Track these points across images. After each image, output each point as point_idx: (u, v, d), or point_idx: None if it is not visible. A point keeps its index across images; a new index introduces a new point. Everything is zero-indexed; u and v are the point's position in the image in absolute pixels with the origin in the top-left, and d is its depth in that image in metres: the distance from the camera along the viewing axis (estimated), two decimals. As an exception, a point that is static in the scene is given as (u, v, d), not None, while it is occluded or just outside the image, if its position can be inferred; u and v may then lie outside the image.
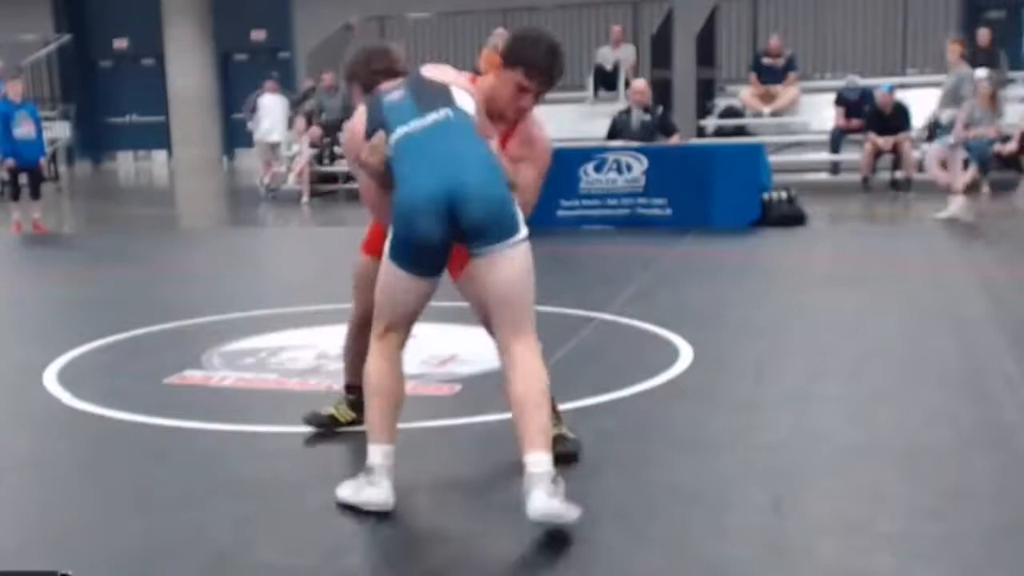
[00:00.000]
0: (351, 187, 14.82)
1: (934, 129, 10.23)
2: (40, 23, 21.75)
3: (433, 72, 3.20)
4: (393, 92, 3.19)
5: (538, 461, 2.83)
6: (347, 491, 3.10)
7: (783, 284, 7.05)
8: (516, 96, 3.24)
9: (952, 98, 9.88)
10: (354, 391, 3.89)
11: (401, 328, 3.15)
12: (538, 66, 3.21)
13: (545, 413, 2.92)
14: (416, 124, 3.06)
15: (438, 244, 2.97)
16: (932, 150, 10.04)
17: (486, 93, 3.25)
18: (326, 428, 3.84)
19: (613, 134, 10.93)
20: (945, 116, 9.98)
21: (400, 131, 3.06)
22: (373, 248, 3.46)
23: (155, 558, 2.86)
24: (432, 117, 3.06)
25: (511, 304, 2.98)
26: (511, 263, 2.95)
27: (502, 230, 2.93)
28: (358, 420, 3.89)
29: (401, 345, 3.19)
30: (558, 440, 3.54)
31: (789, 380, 4.50)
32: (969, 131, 12.21)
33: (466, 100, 3.13)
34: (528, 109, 3.29)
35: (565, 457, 3.47)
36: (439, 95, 3.11)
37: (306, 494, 3.28)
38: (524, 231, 2.98)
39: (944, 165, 10.10)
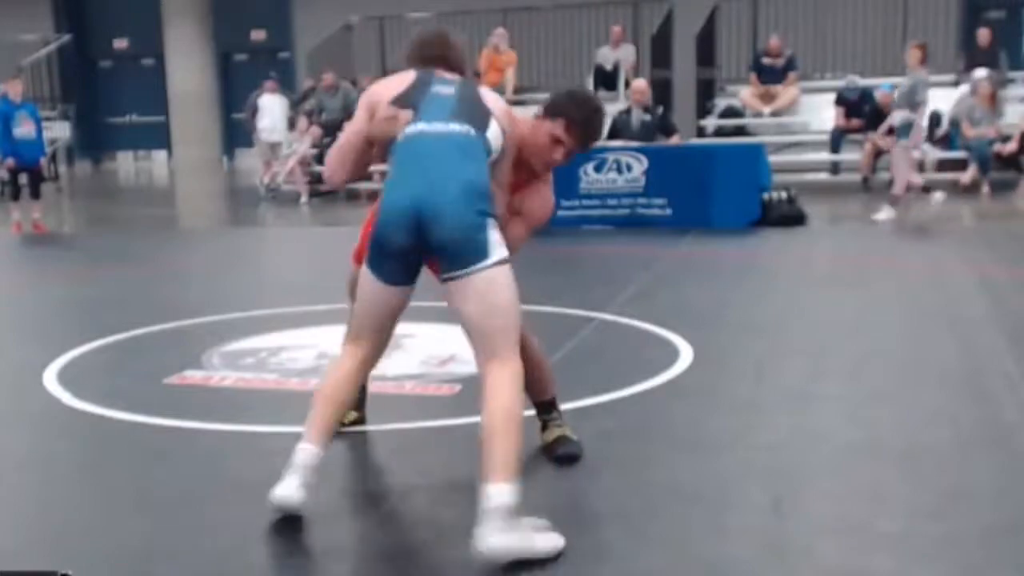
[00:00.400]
0: (351, 187, 14.82)
1: (891, 132, 10.35)
2: (40, 23, 21.75)
3: (488, 95, 3.15)
4: (446, 85, 3.13)
5: (492, 494, 2.70)
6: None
7: (783, 284, 7.05)
8: (550, 148, 3.25)
9: (907, 101, 9.98)
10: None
11: (370, 338, 3.10)
12: (580, 123, 3.23)
13: (511, 443, 2.78)
14: (436, 127, 3.00)
15: (406, 255, 2.94)
16: (898, 153, 10.12)
17: (518, 139, 3.24)
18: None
19: (613, 134, 10.93)
20: (899, 119, 10.06)
21: (419, 126, 3.01)
22: (362, 257, 3.46)
23: (155, 558, 2.86)
24: (454, 128, 3.00)
25: (482, 333, 2.90)
26: (479, 292, 2.86)
27: (469, 256, 2.85)
28: (360, 419, 3.90)
29: (368, 359, 3.12)
30: (561, 441, 3.55)
31: (789, 380, 4.50)
32: (970, 131, 12.24)
33: (496, 134, 3.06)
34: (558, 163, 3.30)
35: (567, 459, 3.48)
36: (477, 115, 3.05)
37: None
38: (496, 256, 2.86)
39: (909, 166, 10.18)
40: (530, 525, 2.77)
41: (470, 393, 4.27)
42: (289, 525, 3.02)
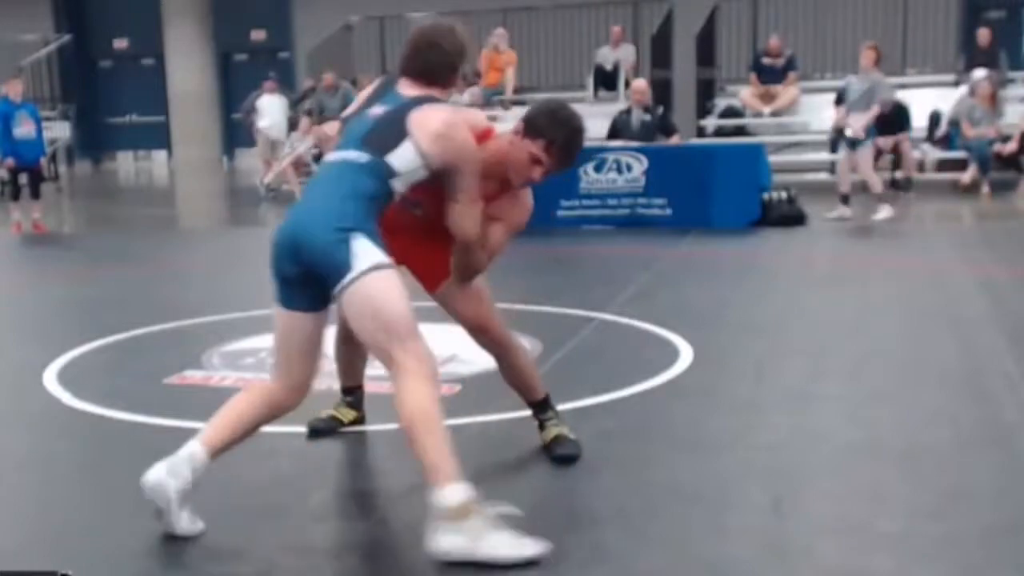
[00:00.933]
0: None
1: (841, 135, 10.35)
2: (40, 23, 21.75)
3: (421, 120, 3.04)
4: (388, 103, 3.16)
5: (434, 497, 2.71)
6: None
7: (783, 284, 7.05)
8: (528, 166, 3.22)
9: (867, 103, 9.99)
10: (350, 392, 3.90)
11: (285, 369, 3.07)
12: (560, 145, 3.21)
13: (433, 442, 2.74)
14: (337, 155, 3.09)
15: (299, 282, 2.97)
16: (864, 155, 10.11)
17: (496, 154, 3.23)
18: (331, 431, 3.85)
19: (613, 134, 10.93)
20: (859, 121, 10.05)
21: (331, 154, 3.13)
22: None
23: (155, 558, 2.86)
24: (350, 155, 3.04)
25: (370, 344, 2.95)
26: (355, 305, 2.88)
27: (335, 274, 2.87)
28: (359, 419, 3.90)
29: (287, 399, 3.08)
30: (559, 441, 3.55)
31: (789, 380, 4.50)
32: (970, 131, 12.23)
33: (407, 157, 3.02)
34: (536, 181, 3.27)
35: (565, 459, 3.48)
36: (389, 139, 3.03)
37: (306, 494, 3.28)
38: (361, 266, 2.85)
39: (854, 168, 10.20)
40: (486, 523, 2.71)
41: (470, 393, 4.27)
42: (289, 525, 3.02)
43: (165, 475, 2.91)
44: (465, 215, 3.16)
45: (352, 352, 3.82)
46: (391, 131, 3.05)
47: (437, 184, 3.13)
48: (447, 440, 2.77)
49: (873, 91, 10.05)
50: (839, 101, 10.34)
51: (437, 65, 3.22)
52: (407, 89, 3.20)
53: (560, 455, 3.51)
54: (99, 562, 2.83)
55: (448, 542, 2.67)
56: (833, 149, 13.43)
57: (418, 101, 3.12)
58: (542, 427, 3.61)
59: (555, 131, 3.20)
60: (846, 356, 4.89)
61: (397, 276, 2.94)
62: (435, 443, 2.74)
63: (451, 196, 3.15)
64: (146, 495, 2.92)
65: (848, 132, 10.08)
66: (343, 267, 2.85)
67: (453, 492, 2.69)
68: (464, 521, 2.67)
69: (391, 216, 3.16)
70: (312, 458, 3.69)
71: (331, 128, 3.14)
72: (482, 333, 3.51)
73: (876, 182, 10.19)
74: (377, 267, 2.87)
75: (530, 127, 3.21)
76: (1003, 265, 7.31)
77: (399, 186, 3.05)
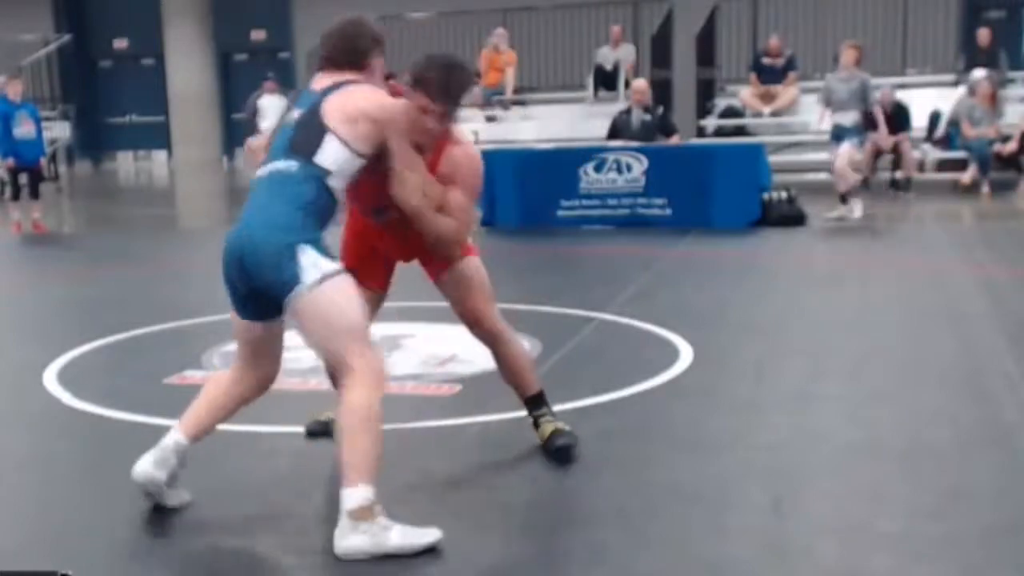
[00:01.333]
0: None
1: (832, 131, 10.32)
2: (40, 23, 21.75)
3: (335, 104, 3.03)
4: (302, 104, 3.12)
5: (343, 496, 2.81)
6: None
7: (783, 284, 7.05)
8: (422, 119, 3.19)
9: (858, 102, 9.98)
10: None
11: (249, 367, 3.18)
12: (437, 85, 3.18)
13: (360, 445, 2.83)
14: (266, 168, 3.07)
15: (243, 293, 3.01)
16: (842, 151, 10.08)
17: (409, 124, 3.19)
18: (329, 433, 3.85)
19: (613, 134, 10.93)
20: (849, 119, 10.01)
21: (261, 168, 3.10)
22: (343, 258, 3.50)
23: (155, 558, 2.86)
24: (279, 166, 3.02)
25: (323, 351, 3.02)
26: (306, 316, 2.92)
27: (284, 287, 2.90)
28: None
29: (255, 391, 3.19)
30: (556, 435, 3.54)
31: (789, 380, 4.50)
32: (970, 131, 12.23)
33: (334, 152, 3.00)
34: (435, 131, 3.22)
35: (563, 450, 3.48)
36: (312, 138, 3.01)
37: (306, 494, 3.28)
38: (311, 278, 2.88)
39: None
40: (386, 521, 2.81)
41: (470, 393, 4.28)
42: (289, 525, 3.02)
43: (152, 468, 3.06)
44: (404, 182, 3.14)
45: None
46: (311, 131, 3.02)
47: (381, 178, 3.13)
48: (378, 448, 2.86)
49: (865, 90, 9.99)
50: (828, 103, 10.27)
51: (344, 48, 3.20)
52: (319, 83, 3.17)
53: (559, 446, 3.50)
54: (99, 562, 2.83)
55: (350, 542, 2.78)
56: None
57: (327, 91, 3.09)
58: (536, 424, 3.60)
59: (427, 71, 3.20)
60: (846, 356, 4.88)
61: (347, 282, 2.97)
62: (365, 446, 2.83)
63: (390, 171, 3.14)
64: (136, 484, 3.08)
65: (847, 124, 10.02)
66: (291, 280, 2.89)
67: (360, 493, 2.79)
68: (365, 522, 2.78)
69: (364, 224, 3.16)
70: (312, 458, 3.69)
71: (258, 142, 3.15)
72: (476, 325, 3.52)
73: (850, 179, 10.10)
74: (325, 277, 2.91)
75: (414, 81, 3.21)
76: (1003, 265, 7.31)
77: (338, 183, 3.04)
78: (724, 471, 3.42)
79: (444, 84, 3.19)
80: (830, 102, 10.14)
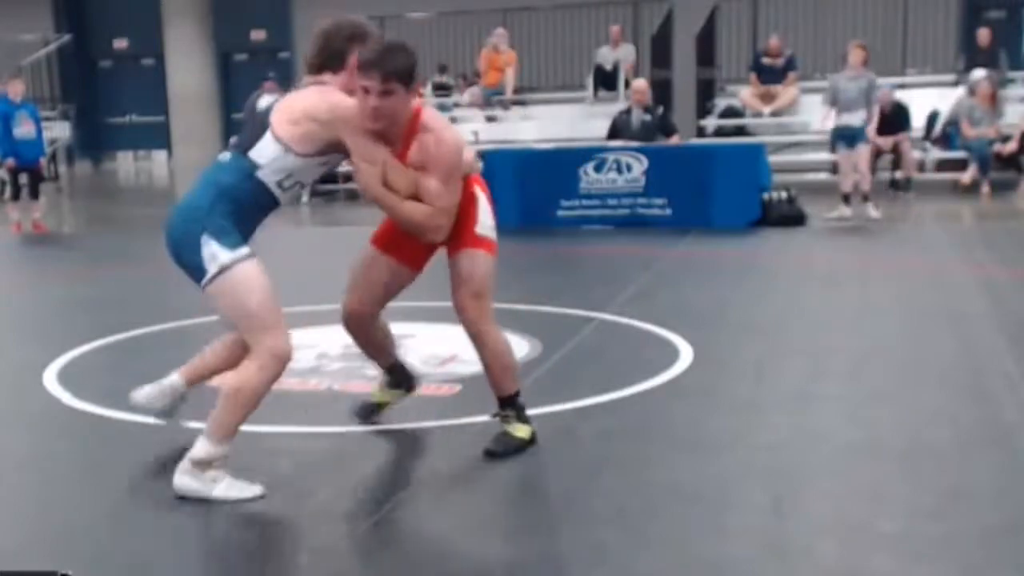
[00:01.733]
0: (351, 187, 14.82)
1: (838, 132, 10.30)
2: (40, 23, 21.76)
3: (285, 106, 3.24)
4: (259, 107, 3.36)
5: (196, 443, 3.19)
6: None
7: (783, 284, 7.05)
8: (363, 101, 3.18)
9: (866, 101, 9.99)
10: (390, 371, 3.95)
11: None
12: (370, 62, 3.17)
13: (227, 411, 3.16)
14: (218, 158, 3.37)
15: (179, 269, 3.30)
16: (861, 151, 10.08)
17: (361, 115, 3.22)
18: (375, 413, 3.97)
19: (613, 134, 10.93)
20: (858, 119, 10.02)
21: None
22: (379, 239, 3.66)
23: (155, 558, 2.86)
24: (219, 158, 3.34)
25: (238, 329, 3.32)
26: (215, 303, 3.24)
27: (195, 274, 3.22)
28: (410, 388, 3.97)
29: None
30: (498, 437, 3.59)
31: (789, 380, 4.50)
32: (971, 131, 12.23)
33: (267, 149, 3.20)
34: (377, 110, 3.18)
35: (488, 453, 3.53)
36: (253, 135, 3.25)
37: (306, 494, 3.28)
38: (212, 270, 3.16)
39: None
40: (220, 475, 3.18)
41: (470, 393, 4.27)
42: (289, 525, 3.02)
43: (145, 401, 3.67)
44: (359, 173, 3.25)
45: (368, 334, 3.80)
46: (255, 130, 3.25)
47: None
48: (243, 419, 3.20)
49: (872, 89, 10.04)
50: (834, 103, 10.26)
51: (319, 52, 3.34)
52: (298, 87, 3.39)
53: (488, 448, 3.54)
54: (99, 562, 2.83)
55: (185, 482, 3.17)
56: (833, 149, 13.44)
57: (289, 95, 3.31)
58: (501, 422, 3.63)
59: (367, 54, 3.21)
60: (846, 356, 4.88)
61: (246, 270, 3.17)
62: (237, 415, 3.18)
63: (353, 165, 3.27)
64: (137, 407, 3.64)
65: (857, 124, 10.01)
66: (200, 271, 3.18)
67: (209, 448, 3.16)
68: (204, 472, 3.17)
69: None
70: (312, 458, 3.68)
71: None
72: (458, 314, 3.54)
73: (870, 181, 10.18)
74: (223, 269, 3.14)
75: (357, 65, 3.23)
76: (1003, 265, 7.31)
77: (268, 176, 3.21)
78: (724, 471, 3.42)
79: (379, 59, 3.17)
80: (836, 102, 10.13)
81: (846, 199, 10.12)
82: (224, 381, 3.26)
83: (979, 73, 13.12)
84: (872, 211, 10.06)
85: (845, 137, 10.12)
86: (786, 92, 14.19)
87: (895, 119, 12.20)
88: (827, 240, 9.19)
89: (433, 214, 3.30)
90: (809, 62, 15.77)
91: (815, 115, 13.89)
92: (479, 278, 3.49)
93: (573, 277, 7.62)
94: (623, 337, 5.36)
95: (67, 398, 4.40)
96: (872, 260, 7.92)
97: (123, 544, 2.95)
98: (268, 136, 3.20)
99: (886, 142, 12.08)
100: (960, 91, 13.12)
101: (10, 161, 11.10)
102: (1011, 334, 5.14)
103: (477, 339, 3.55)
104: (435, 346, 5.03)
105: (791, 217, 9.76)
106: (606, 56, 15.12)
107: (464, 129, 14.83)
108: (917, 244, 8.72)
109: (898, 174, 12.51)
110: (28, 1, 21.83)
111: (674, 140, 11.01)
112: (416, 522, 2.98)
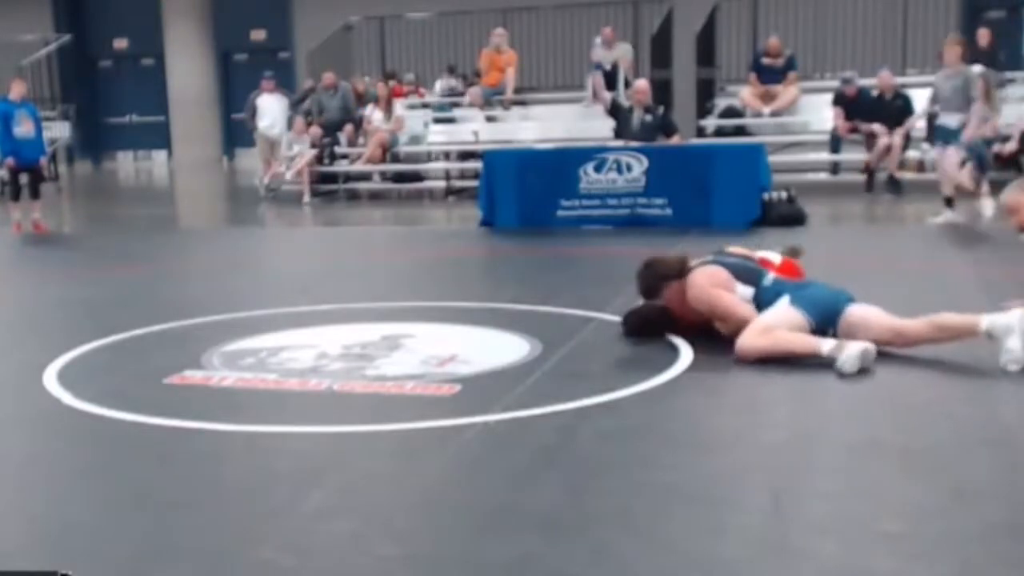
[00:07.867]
0: (351, 187, 14.84)
1: (935, 132, 10.04)
2: (40, 23, 21.78)
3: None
4: None
5: None
6: None
7: (783, 284, 7.02)
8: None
9: (962, 100, 9.64)
10: None
11: None
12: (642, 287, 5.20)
13: None
14: None
15: None
16: (949, 154, 9.65)
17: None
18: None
19: (613, 112, 10.89)
20: (955, 120, 9.73)
21: None
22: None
23: (155, 558, 2.86)
24: None
25: None
26: None
27: None
28: None
29: None
30: None
31: (789, 380, 4.50)
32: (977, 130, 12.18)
33: None
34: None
35: None
36: None
37: (306, 494, 3.28)
38: None
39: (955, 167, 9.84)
40: None
41: (470, 393, 4.27)
42: (289, 525, 3.02)
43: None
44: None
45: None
46: None
47: None
48: None
49: (969, 87, 9.59)
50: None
51: (642, 288, 5.26)
52: None
53: None
54: (99, 562, 2.83)
55: None
56: (834, 149, 13.41)
57: None
58: None
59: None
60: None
61: None
62: None
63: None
64: None
65: (952, 126, 9.55)
66: None
67: None
68: None
69: None
70: (312, 458, 3.69)
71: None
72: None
73: (966, 180, 9.50)
74: None
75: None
76: (1003, 265, 7.30)
77: None
78: (724, 471, 3.42)
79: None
80: (937, 101, 9.79)
81: (949, 202, 9.52)
82: None
83: (977, 68, 13.09)
84: (986, 209, 9.33)
85: (942, 137, 9.76)
86: (786, 92, 14.19)
87: (896, 104, 12.09)
88: (827, 240, 9.18)
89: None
90: (809, 62, 15.78)
91: (815, 115, 13.94)
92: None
93: (573, 277, 7.61)
94: (623, 337, 5.36)
95: (67, 398, 4.40)
96: (872, 260, 7.91)
97: (123, 544, 2.95)
98: None
99: (886, 134, 11.96)
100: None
101: (10, 161, 11.11)
102: (1011, 334, 5.12)
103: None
104: (435, 346, 5.02)
105: (791, 217, 9.75)
106: (602, 56, 15.11)
107: (464, 129, 14.86)
108: (917, 244, 8.71)
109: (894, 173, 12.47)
110: (28, 1, 21.86)
111: (675, 140, 11.02)
112: (415, 522, 2.98)
